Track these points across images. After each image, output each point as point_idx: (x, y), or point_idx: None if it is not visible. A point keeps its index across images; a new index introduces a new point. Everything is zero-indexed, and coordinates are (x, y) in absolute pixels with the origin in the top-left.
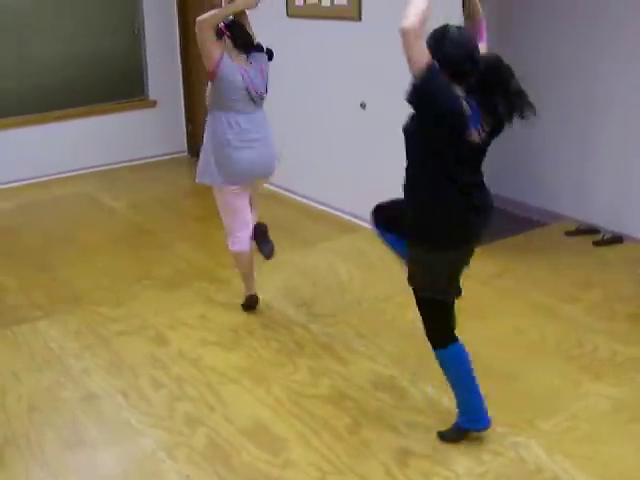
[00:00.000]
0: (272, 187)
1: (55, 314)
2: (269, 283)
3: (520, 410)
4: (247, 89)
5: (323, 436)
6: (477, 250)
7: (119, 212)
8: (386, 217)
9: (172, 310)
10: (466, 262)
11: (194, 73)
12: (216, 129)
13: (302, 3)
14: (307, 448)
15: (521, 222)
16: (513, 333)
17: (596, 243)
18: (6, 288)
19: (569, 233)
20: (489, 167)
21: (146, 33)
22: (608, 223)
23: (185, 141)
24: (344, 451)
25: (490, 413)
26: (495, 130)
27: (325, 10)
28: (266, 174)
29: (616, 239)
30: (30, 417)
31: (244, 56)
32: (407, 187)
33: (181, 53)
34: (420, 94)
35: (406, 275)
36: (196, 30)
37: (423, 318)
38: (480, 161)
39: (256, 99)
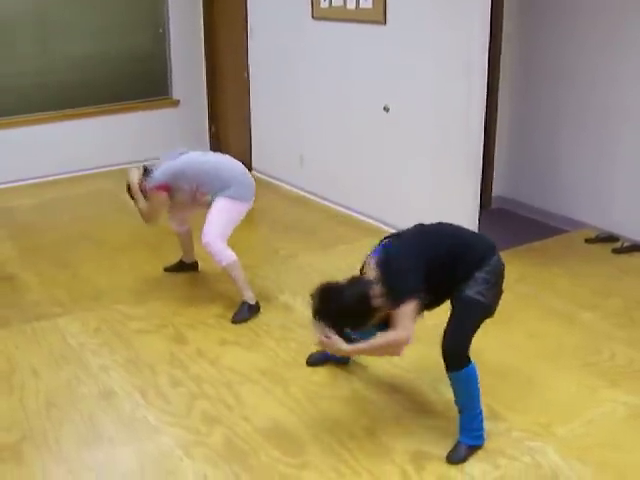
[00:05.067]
0: (295, 189)
1: (75, 311)
2: (289, 284)
3: (536, 415)
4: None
5: (340, 437)
6: None
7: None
8: None
9: (192, 309)
10: None
11: (218, 73)
12: None
13: (327, 5)
14: (325, 450)
15: (541, 229)
16: (531, 339)
17: (615, 251)
18: (27, 284)
19: (589, 240)
20: (511, 174)
21: (171, 32)
22: (628, 231)
23: (208, 141)
24: (361, 453)
25: (507, 417)
26: None
27: (350, 13)
28: None
29: (635, 247)
30: (48, 413)
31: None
32: None
33: (205, 53)
34: None
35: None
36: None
37: (463, 335)
38: None
39: None
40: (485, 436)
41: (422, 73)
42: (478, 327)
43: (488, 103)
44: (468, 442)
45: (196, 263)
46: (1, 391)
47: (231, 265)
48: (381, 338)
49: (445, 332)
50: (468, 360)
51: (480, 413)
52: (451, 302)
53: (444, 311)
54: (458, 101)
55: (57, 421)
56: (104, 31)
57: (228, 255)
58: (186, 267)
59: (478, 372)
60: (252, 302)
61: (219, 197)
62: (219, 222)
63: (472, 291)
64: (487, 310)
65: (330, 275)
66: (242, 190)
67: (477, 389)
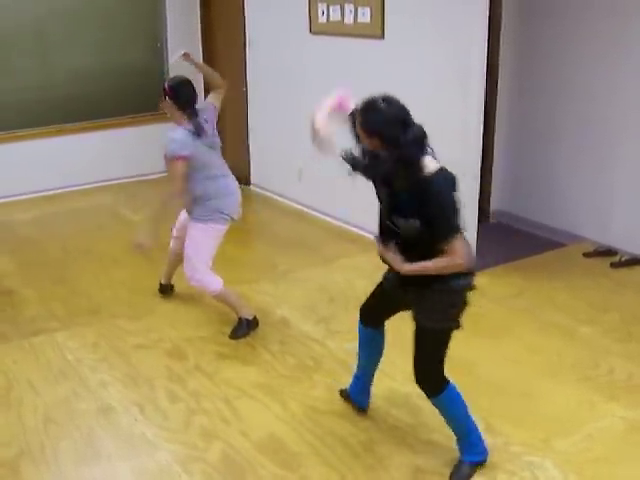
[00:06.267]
0: (294, 204)
1: (73, 326)
2: (287, 299)
3: (535, 429)
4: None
5: (338, 452)
6: (495, 270)
7: (138, 225)
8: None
9: (189, 324)
10: None
11: None
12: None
13: (325, 20)
14: (322, 464)
15: (539, 243)
16: (529, 353)
17: (614, 265)
18: (25, 299)
19: (587, 254)
20: (509, 188)
21: (169, 47)
22: (626, 245)
23: None
24: (360, 468)
25: (505, 432)
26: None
27: (348, 27)
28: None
29: (634, 261)
30: (46, 429)
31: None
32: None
33: None
34: None
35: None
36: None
37: (433, 363)
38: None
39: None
40: (487, 448)
41: (420, 87)
42: (447, 347)
43: (486, 117)
44: (469, 459)
45: (172, 286)
46: None
47: (222, 292)
48: (440, 262)
49: (414, 361)
50: (445, 382)
51: (474, 429)
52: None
53: None
54: (456, 115)
55: (55, 437)
56: (102, 46)
57: (216, 284)
58: (164, 289)
59: (459, 389)
60: (250, 317)
61: (196, 221)
62: (200, 256)
63: (431, 320)
64: (450, 331)
65: (329, 290)
66: (222, 212)
67: (462, 407)
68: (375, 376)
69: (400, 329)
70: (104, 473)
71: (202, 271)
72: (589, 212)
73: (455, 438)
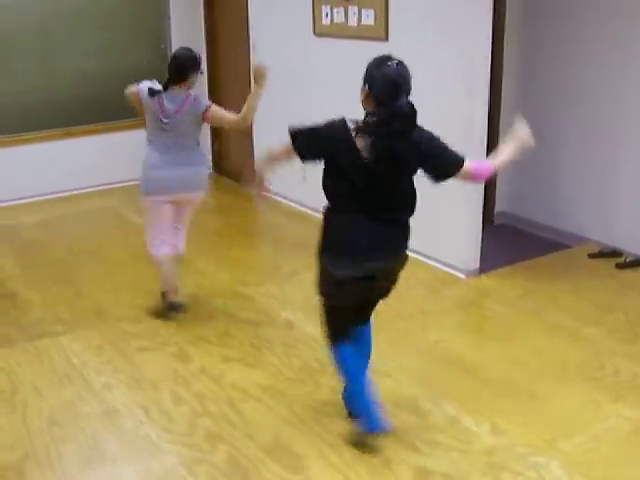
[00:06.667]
0: (297, 206)
1: (77, 329)
2: (291, 301)
3: (541, 430)
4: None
5: (344, 454)
6: (499, 272)
7: (142, 228)
8: None
9: (194, 326)
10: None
11: (220, 90)
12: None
13: (329, 22)
14: (328, 466)
15: (544, 244)
16: (534, 354)
17: (619, 266)
18: (30, 302)
19: (592, 255)
20: (513, 190)
21: (173, 48)
22: (631, 246)
23: (210, 158)
24: (365, 469)
25: (511, 433)
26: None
27: (352, 29)
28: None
29: (639, 262)
30: (51, 432)
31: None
32: None
33: (208, 69)
34: None
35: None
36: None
37: (323, 322)
38: None
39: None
40: (373, 422)
41: (424, 90)
42: (331, 316)
43: (490, 119)
44: (355, 428)
45: (179, 304)
46: (4, 409)
47: (157, 260)
48: None
49: None
50: (333, 341)
51: (361, 399)
52: None
53: (447, 328)
54: (460, 117)
55: (60, 440)
56: (105, 47)
57: (152, 249)
58: (170, 308)
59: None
60: (174, 300)
61: None
62: (146, 226)
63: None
64: (327, 303)
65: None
66: (142, 182)
67: (343, 372)
68: (381, 379)
69: (407, 332)
70: (109, 476)
71: (147, 239)
72: (594, 213)
73: None
